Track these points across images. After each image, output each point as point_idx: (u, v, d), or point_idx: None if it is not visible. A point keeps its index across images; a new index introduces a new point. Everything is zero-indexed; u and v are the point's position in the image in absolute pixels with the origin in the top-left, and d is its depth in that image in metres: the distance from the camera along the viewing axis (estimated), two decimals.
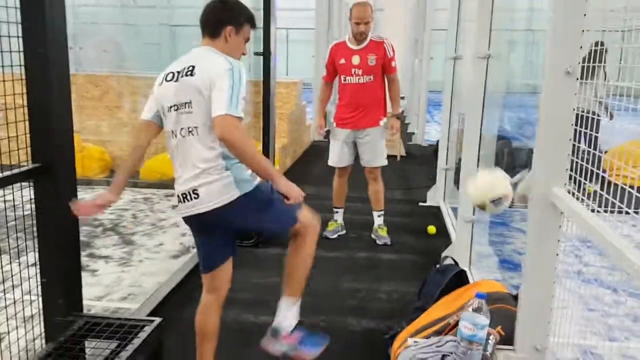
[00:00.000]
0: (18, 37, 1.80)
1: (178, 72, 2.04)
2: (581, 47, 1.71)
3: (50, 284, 1.95)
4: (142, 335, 1.92)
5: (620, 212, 1.45)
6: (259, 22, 4.92)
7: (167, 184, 5.52)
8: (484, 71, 3.33)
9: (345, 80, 3.94)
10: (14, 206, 1.79)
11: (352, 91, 3.93)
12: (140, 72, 6.98)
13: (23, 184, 1.83)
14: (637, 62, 1.46)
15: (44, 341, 1.95)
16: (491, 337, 1.82)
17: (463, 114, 4.23)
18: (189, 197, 2.02)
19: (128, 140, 6.24)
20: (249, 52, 5.13)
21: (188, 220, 2.11)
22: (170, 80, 2.04)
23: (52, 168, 1.91)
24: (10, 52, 1.75)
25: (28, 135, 1.86)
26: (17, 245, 1.78)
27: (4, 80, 1.68)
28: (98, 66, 7.57)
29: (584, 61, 1.70)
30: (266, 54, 4.67)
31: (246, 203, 2.03)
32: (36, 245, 1.92)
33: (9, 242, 1.89)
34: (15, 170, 1.80)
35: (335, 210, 4.25)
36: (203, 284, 2.24)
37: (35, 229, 1.92)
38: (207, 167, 1.98)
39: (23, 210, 1.84)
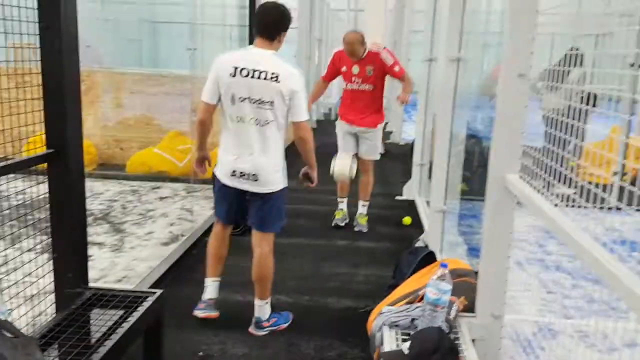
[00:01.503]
0: (36, 34, 2.00)
1: (256, 72, 2.48)
2: (532, 53, 1.99)
3: (60, 259, 2.16)
4: (146, 304, 2.14)
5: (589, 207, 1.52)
6: (245, 20, 5.15)
7: (152, 176, 5.71)
8: (455, 73, 3.61)
9: (347, 85, 4.32)
10: (8, 197, 1.98)
11: (353, 96, 4.30)
12: (122, 67, 7.12)
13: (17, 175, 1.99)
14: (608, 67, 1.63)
15: (54, 311, 2.15)
16: (454, 305, 2.09)
17: (436, 114, 4.51)
18: (246, 176, 2.59)
19: (114, 134, 6.39)
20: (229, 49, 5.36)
21: (229, 188, 2.64)
22: (247, 76, 2.49)
23: (64, 153, 2.11)
24: (29, 47, 1.96)
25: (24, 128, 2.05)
26: (12, 233, 1.97)
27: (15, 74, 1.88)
28: (81, 62, 7.67)
29: (559, 65, 1.84)
30: None
31: (280, 194, 2.66)
32: (30, 233, 2.09)
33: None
34: (33, 155, 2.01)
35: (340, 200, 4.56)
36: (215, 224, 2.87)
37: (28, 217, 2.10)
38: (272, 158, 2.57)
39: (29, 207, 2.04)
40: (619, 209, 1.41)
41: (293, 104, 2.51)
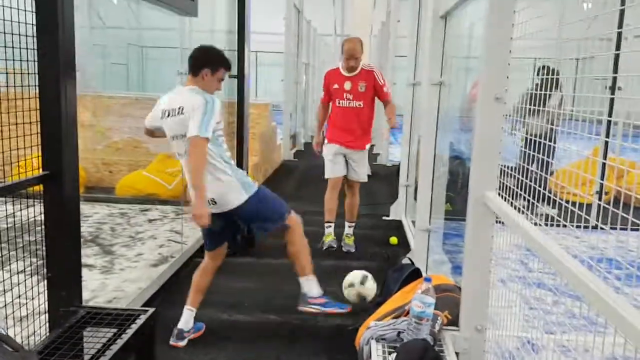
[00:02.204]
0: (35, 61, 2.08)
1: (171, 111, 2.71)
2: (507, 77, 2.11)
3: (55, 279, 2.20)
4: (138, 322, 2.18)
5: (578, 227, 1.55)
6: (234, 45, 5.28)
7: (142, 199, 5.75)
8: (437, 97, 3.75)
9: (338, 103, 4.35)
10: None
11: (344, 113, 4.33)
12: (110, 92, 7.20)
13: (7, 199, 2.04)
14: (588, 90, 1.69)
15: (47, 332, 2.19)
16: (439, 318, 2.17)
17: (420, 136, 4.64)
18: (210, 202, 2.68)
19: (103, 158, 6.44)
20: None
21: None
22: (168, 117, 2.73)
23: (59, 175, 2.18)
24: (28, 73, 2.04)
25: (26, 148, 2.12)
26: (2, 255, 2.01)
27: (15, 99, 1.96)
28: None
29: (537, 89, 1.90)
30: (240, 77, 5.01)
31: (252, 202, 2.72)
32: (22, 255, 2.11)
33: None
34: (29, 177, 2.07)
35: (327, 225, 4.51)
36: (205, 254, 2.97)
37: (18, 240, 2.13)
38: (214, 180, 2.65)
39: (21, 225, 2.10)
40: (602, 227, 1.45)
41: (189, 123, 2.57)
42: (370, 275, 3.14)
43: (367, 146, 4.46)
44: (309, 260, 2.93)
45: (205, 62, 2.75)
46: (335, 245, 4.47)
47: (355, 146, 4.36)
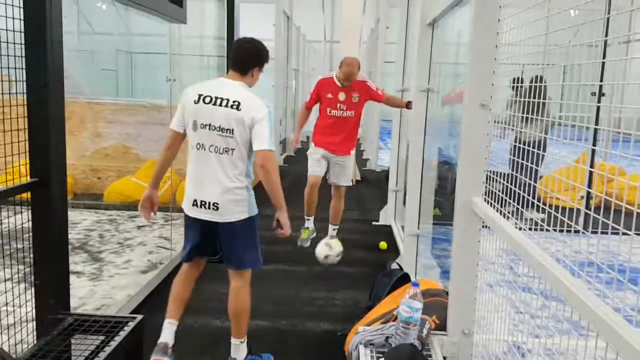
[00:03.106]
0: (22, 68, 2.09)
1: (218, 99, 2.48)
2: (493, 84, 2.14)
3: (42, 286, 2.19)
4: (126, 329, 2.18)
5: (556, 230, 1.59)
6: (223, 51, 5.29)
7: (130, 206, 5.72)
8: (425, 103, 3.78)
9: (330, 112, 4.44)
10: None
11: (335, 122, 4.44)
12: (98, 98, 7.18)
13: None
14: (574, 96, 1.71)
15: (35, 339, 2.17)
16: (427, 323, 2.19)
17: (409, 142, 4.68)
18: (207, 206, 2.51)
19: (91, 164, 6.40)
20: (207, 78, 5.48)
21: (195, 219, 2.56)
22: (209, 103, 2.49)
23: (47, 182, 2.17)
24: (16, 81, 2.04)
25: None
26: None
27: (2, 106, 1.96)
28: None
29: (523, 96, 1.88)
30: None
31: (249, 225, 2.56)
32: (9, 262, 2.11)
33: None
34: (17, 184, 2.07)
35: (307, 218, 4.66)
36: (182, 267, 2.72)
37: (5, 247, 2.12)
38: (232, 187, 2.49)
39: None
40: (583, 232, 1.47)
41: (255, 132, 2.45)
42: (331, 243, 4.18)
43: (352, 152, 4.60)
44: (247, 322, 2.68)
45: (257, 60, 2.62)
46: (306, 245, 4.60)
47: (341, 152, 4.49)
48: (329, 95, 4.43)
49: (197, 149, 2.51)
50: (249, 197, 2.56)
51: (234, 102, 2.46)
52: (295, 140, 4.77)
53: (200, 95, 2.51)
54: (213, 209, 2.50)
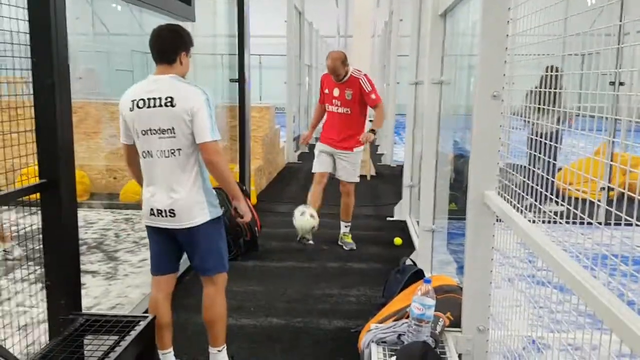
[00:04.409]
0: (28, 69, 2.09)
1: (150, 100, 2.29)
2: (504, 75, 2.08)
3: (54, 286, 2.20)
4: (138, 328, 2.18)
5: (577, 223, 1.51)
6: (235, 49, 5.28)
7: None
8: (438, 95, 3.72)
9: (328, 108, 4.47)
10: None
11: (332, 118, 4.45)
12: (114, 98, 7.23)
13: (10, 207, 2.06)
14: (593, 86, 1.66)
15: (47, 339, 2.19)
16: (440, 320, 2.14)
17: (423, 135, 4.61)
18: (163, 214, 2.35)
19: (107, 164, 6.46)
20: (224, 78, 5.48)
21: (154, 229, 2.43)
22: (143, 107, 2.30)
23: (56, 184, 2.17)
24: (27, 82, 2.05)
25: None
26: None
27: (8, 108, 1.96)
28: (73, 94, 7.77)
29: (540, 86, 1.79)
30: (241, 81, 5.01)
31: (211, 228, 2.40)
32: (23, 263, 2.12)
33: None
34: (26, 185, 2.07)
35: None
36: (152, 283, 2.55)
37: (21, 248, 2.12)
38: (186, 190, 2.32)
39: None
40: (608, 223, 1.42)
41: (195, 125, 2.25)
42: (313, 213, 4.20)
43: (356, 149, 4.46)
44: (225, 328, 2.55)
45: (180, 45, 2.38)
46: (307, 239, 4.47)
47: (341, 147, 4.43)
48: (326, 91, 4.44)
49: (144, 157, 2.36)
50: (207, 197, 2.38)
51: (166, 98, 2.27)
52: (304, 138, 4.71)
53: (133, 102, 2.33)
54: (170, 215, 2.34)
